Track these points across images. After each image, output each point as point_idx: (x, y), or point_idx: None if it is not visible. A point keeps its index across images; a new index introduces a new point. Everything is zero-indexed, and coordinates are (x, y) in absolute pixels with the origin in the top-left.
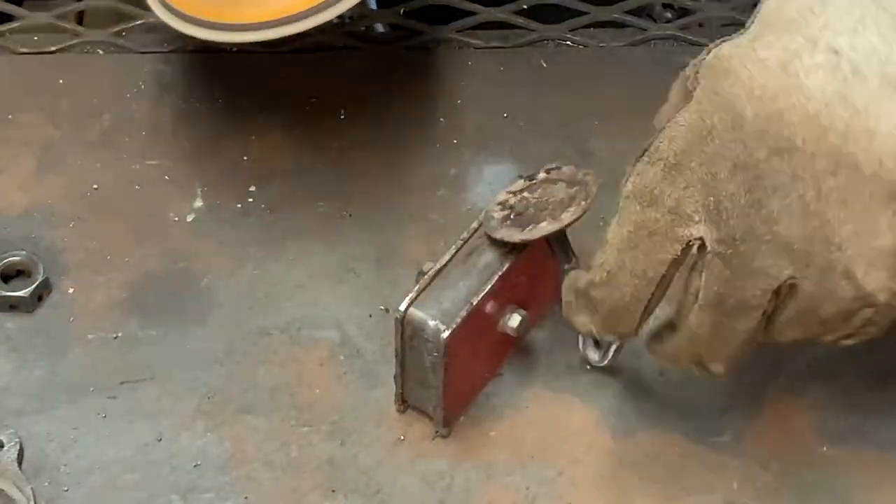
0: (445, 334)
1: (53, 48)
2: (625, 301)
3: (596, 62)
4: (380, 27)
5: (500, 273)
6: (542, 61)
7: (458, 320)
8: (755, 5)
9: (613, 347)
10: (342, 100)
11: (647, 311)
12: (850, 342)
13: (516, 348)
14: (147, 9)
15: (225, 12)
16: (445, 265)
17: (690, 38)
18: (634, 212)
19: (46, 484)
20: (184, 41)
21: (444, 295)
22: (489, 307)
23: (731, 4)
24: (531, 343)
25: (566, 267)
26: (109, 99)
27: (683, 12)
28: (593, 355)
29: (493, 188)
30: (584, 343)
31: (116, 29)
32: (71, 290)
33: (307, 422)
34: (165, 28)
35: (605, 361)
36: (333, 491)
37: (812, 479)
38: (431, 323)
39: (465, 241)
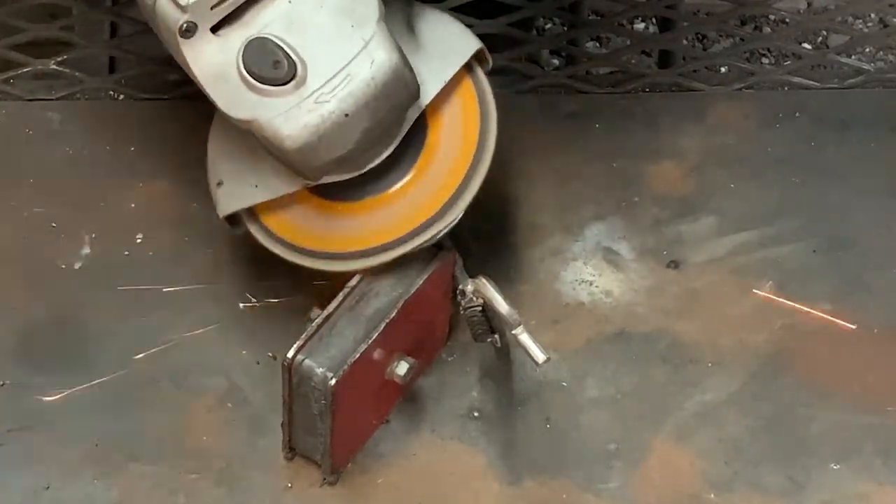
0: (333, 382)
1: None
2: None
3: None
4: None
5: (387, 321)
6: None
7: (346, 368)
8: (646, 53)
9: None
10: None
11: None
12: None
13: (404, 396)
14: (35, 56)
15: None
16: (333, 312)
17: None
18: None
19: None
20: (72, 89)
21: (332, 342)
22: (377, 355)
23: (619, 54)
24: (419, 390)
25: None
26: None
27: (571, 60)
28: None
29: None
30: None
31: (4, 76)
32: None
33: (195, 469)
34: (53, 75)
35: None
36: None
37: None
38: (319, 370)
39: (353, 288)
